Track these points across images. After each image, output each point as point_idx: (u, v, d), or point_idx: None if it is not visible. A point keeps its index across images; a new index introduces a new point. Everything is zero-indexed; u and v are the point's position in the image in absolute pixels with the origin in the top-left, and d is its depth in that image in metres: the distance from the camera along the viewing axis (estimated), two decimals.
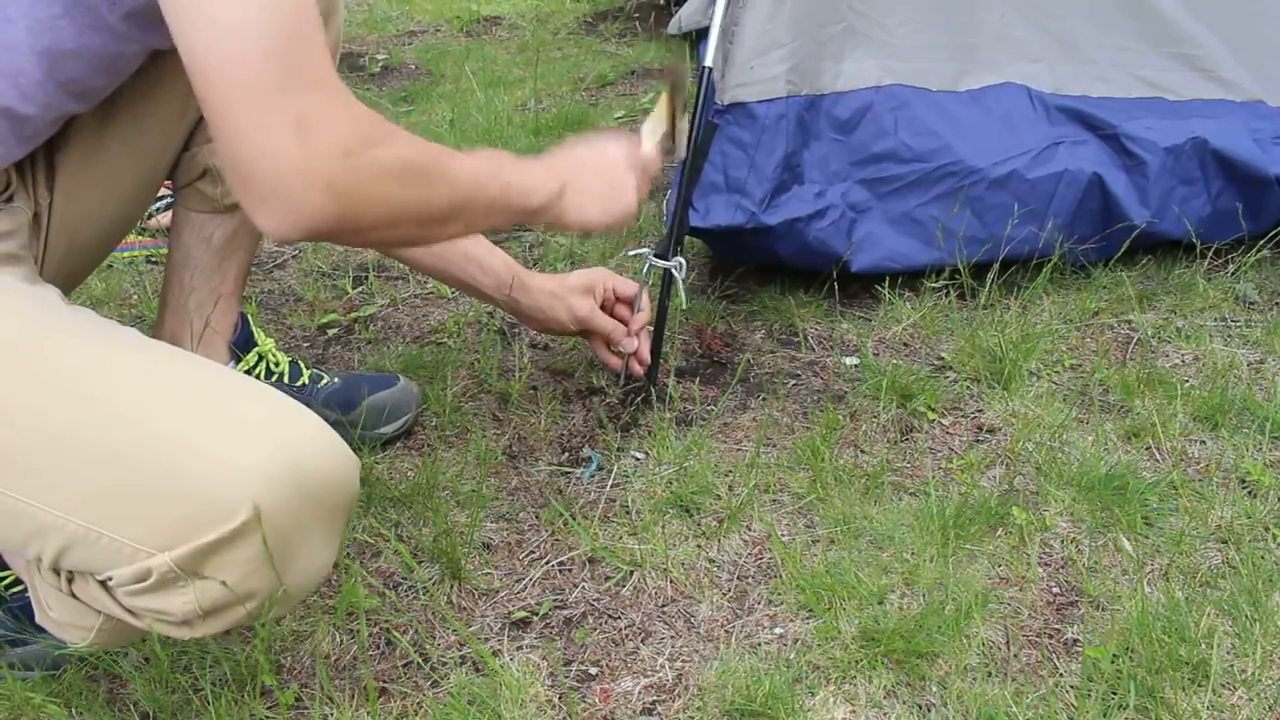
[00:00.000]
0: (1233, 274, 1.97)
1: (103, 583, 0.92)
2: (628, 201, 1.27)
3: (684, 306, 1.65)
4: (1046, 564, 1.36)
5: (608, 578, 1.35)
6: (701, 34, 3.21)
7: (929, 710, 1.16)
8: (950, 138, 1.84)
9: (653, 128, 1.42)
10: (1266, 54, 1.97)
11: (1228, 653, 1.22)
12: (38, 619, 1.03)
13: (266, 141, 0.85)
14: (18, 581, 1.21)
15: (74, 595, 0.96)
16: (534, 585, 1.34)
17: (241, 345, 1.54)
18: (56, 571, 0.95)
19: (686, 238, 1.75)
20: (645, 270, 1.58)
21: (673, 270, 1.56)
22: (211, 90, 0.85)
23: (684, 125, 1.50)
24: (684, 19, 3.31)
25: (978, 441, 1.59)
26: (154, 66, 1.13)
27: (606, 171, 1.26)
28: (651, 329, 1.61)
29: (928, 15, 1.88)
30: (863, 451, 1.56)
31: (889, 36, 1.86)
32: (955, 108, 1.88)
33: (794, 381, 1.73)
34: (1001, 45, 1.93)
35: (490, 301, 1.53)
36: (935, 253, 1.85)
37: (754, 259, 1.93)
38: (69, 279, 1.21)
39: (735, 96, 1.72)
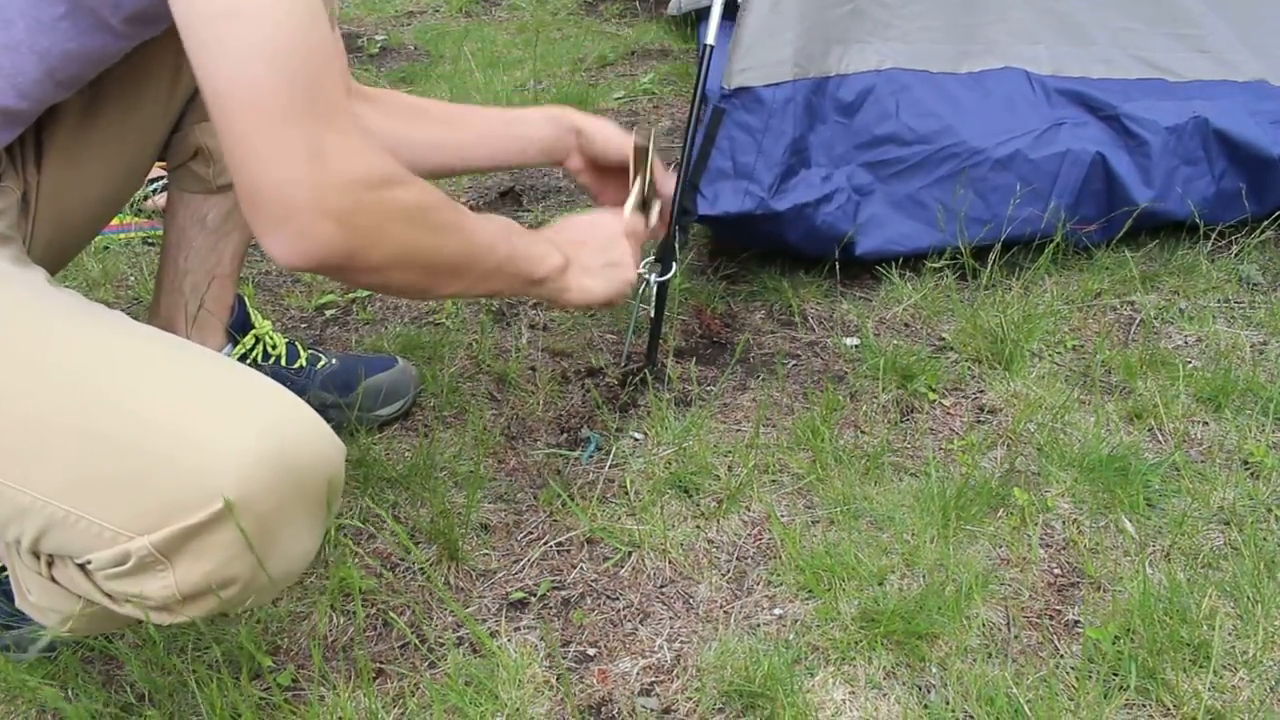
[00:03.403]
0: (1236, 255, 1.96)
1: (82, 566, 0.92)
2: (626, 275, 1.30)
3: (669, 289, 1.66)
4: (1048, 545, 1.35)
5: (606, 558, 1.34)
6: (702, 14, 3.20)
7: (929, 691, 1.16)
8: (952, 119, 1.82)
9: (628, 207, 1.44)
10: (1268, 33, 1.96)
11: (1229, 634, 1.21)
12: (18, 603, 1.02)
13: (281, 170, 0.85)
14: None
15: (53, 579, 0.95)
16: (532, 566, 1.34)
17: (238, 327, 1.53)
18: (36, 555, 0.94)
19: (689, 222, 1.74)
20: (640, 289, 1.55)
21: (651, 285, 1.54)
22: (229, 117, 0.85)
23: (654, 198, 1.50)
24: (681, 4, 3.29)
25: (979, 422, 1.58)
26: (142, 47, 1.12)
27: (607, 247, 1.29)
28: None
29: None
30: (863, 432, 1.55)
31: (893, 17, 1.85)
32: (956, 89, 1.86)
33: (794, 362, 1.72)
34: (1002, 26, 1.91)
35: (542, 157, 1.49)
36: (939, 235, 1.83)
37: (760, 245, 1.92)
38: (57, 259, 1.20)
39: (742, 81, 1.70)
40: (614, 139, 1.45)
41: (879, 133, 1.81)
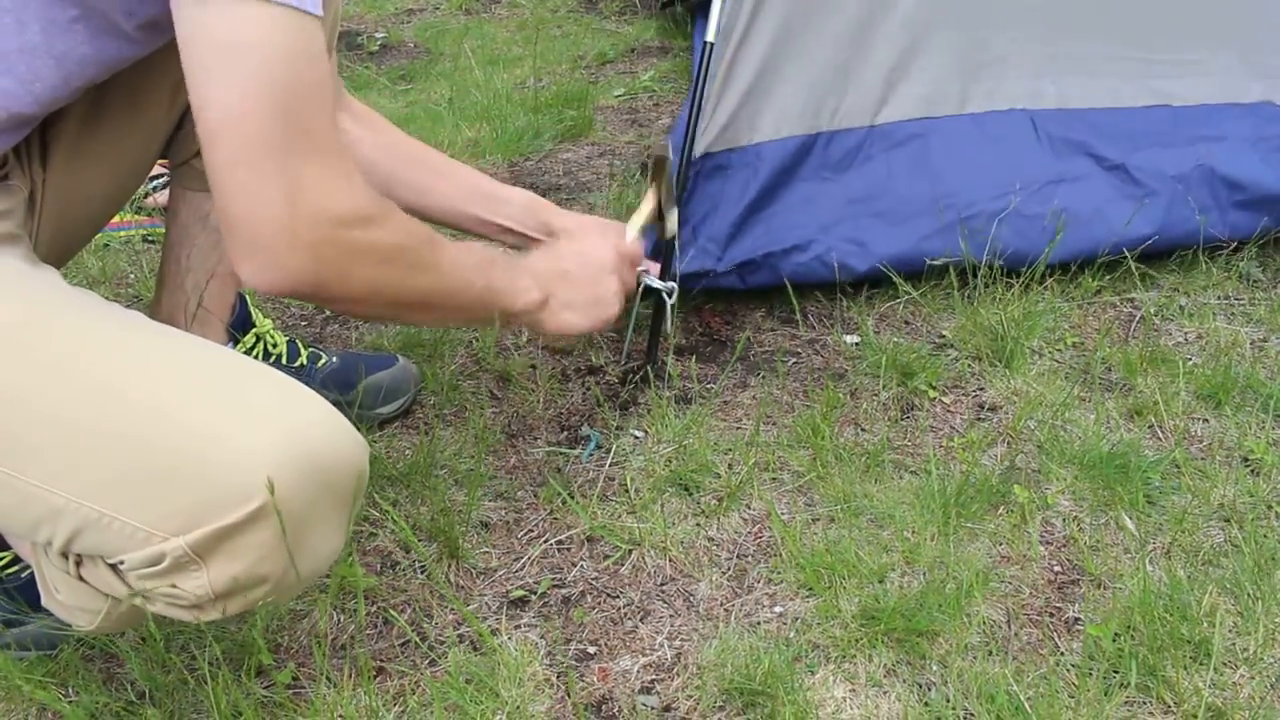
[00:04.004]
0: (1236, 252, 1.96)
1: (113, 566, 0.92)
2: (609, 312, 1.31)
3: (669, 333, 1.65)
4: (1048, 542, 1.36)
5: (606, 556, 1.34)
6: (697, 9, 3.19)
7: (929, 689, 1.16)
8: (947, 173, 1.80)
9: (638, 219, 1.44)
10: (1270, 52, 1.94)
11: (1230, 631, 1.21)
12: (44, 602, 1.02)
13: (259, 201, 0.87)
14: (14, 562, 1.20)
15: (82, 579, 0.96)
16: (532, 564, 1.34)
17: (239, 325, 1.53)
18: (65, 555, 0.94)
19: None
20: (639, 290, 1.55)
21: (664, 295, 1.54)
22: (216, 144, 0.87)
23: (671, 207, 1.51)
24: None
25: (979, 420, 1.58)
26: None
27: (591, 282, 1.30)
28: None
29: (937, 37, 1.84)
30: (863, 430, 1.55)
31: (898, 59, 1.82)
32: (956, 137, 1.84)
33: (794, 359, 1.72)
34: (1007, 59, 1.87)
35: (512, 239, 1.51)
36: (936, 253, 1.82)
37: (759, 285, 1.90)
38: (59, 256, 1.21)
39: (708, 147, 1.70)
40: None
41: (871, 190, 1.79)
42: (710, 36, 1.65)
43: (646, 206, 1.48)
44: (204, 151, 0.87)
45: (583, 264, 1.30)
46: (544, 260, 1.28)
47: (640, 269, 1.45)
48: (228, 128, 0.86)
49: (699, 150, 1.69)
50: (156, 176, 2.18)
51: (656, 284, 1.50)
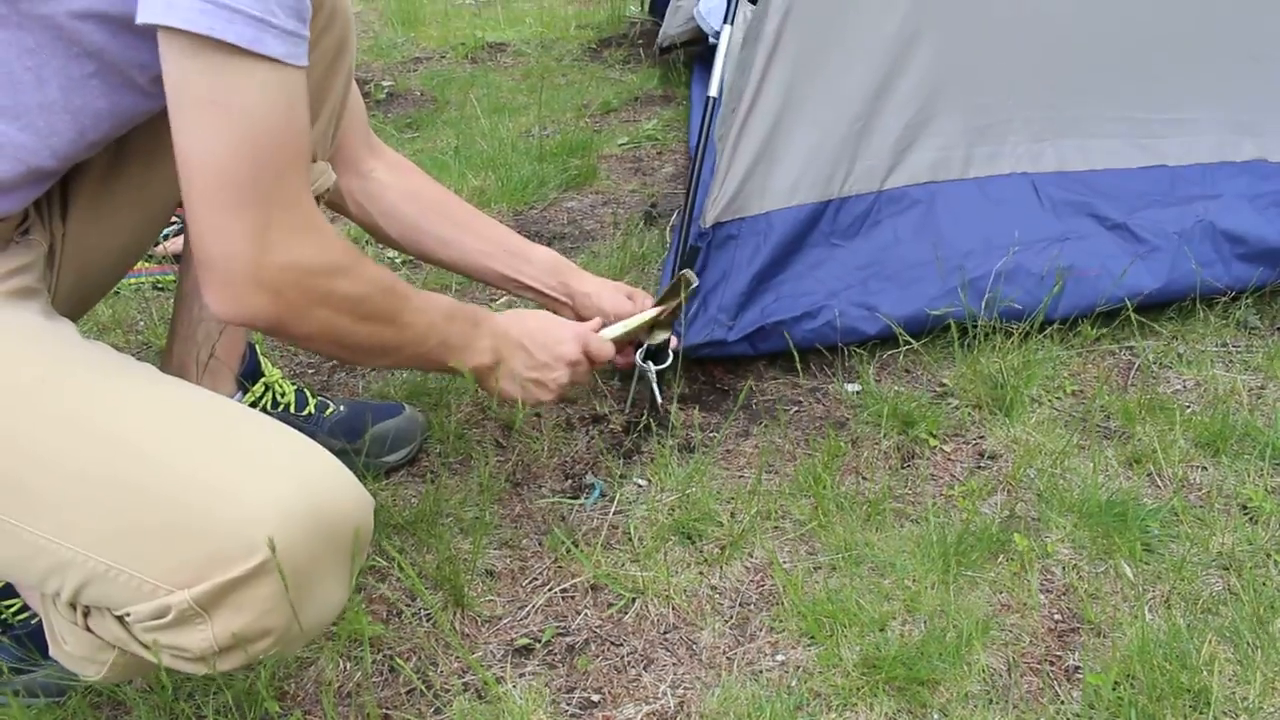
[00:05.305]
0: (1234, 300, 1.98)
1: (120, 618, 0.93)
2: (543, 397, 1.38)
3: (659, 406, 1.68)
4: (1048, 590, 1.37)
5: (610, 605, 1.36)
6: (695, 57, 3.23)
7: None
8: (952, 237, 1.83)
9: (627, 325, 1.50)
10: (1261, 108, 1.97)
11: (1229, 680, 1.22)
12: (51, 652, 1.03)
13: (228, 242, 0.95)
14: (24, 609, 1.22)
15: (89, 629, 0.97)
16: (537, 612, 1.35)
17: (248, 375, 1.55)
18: (73, 606, 0.96)
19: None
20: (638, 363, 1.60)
21: (648, 374, 1.58)
22: (193, 189, 0.94)
23: (670, 329, 1.59)
24: (667, 32, 3.30)
25: (979, 468, 1.59)
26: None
27: (542, 365, 1.36)
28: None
29: (943, 102, 1.87)
30: (864, 478, 1.57)
31: (904, 129, 1.86)
32: (960, 201, 1.86)
33: (796, 408, 1.74)
34: (1009, 123, 1.91)
35: (531, 296, 1.58)
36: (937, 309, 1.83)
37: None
38: (77, 308, 1.23)
39: (718, 217, 1.72)
40: (607, 306, 1.54)
41: (879, 255, 1.82)
42: (713, 91, 1.69)
43: (646, 315, 1.52)
44: (182, 187, 0.94)
45: (542, 345, 1.36)
46: (509, 324, 1.34)
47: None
48: (206, 174, 0.93)
49: (709, 221, 1.71)
50: (169, 223, 2.21)
51: (644, 365, 1.58)
